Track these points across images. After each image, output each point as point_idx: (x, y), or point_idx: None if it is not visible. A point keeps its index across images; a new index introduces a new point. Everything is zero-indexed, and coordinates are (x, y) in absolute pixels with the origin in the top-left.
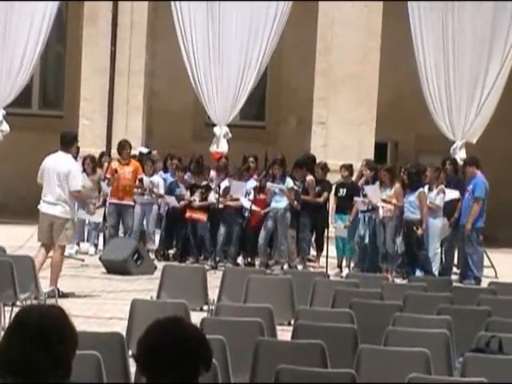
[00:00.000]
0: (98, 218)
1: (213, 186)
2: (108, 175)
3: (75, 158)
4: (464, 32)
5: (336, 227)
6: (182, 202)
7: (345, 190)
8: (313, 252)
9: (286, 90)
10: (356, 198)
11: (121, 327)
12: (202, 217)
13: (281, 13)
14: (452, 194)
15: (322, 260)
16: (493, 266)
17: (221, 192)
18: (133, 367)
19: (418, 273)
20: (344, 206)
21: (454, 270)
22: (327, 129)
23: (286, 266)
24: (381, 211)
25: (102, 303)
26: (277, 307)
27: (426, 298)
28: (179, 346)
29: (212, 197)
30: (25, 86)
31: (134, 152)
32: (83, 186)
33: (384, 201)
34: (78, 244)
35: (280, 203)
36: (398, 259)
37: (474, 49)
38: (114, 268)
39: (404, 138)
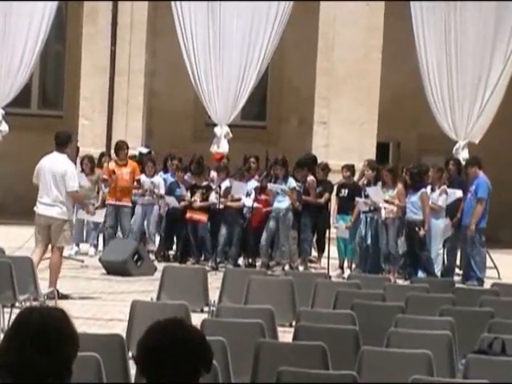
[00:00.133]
0: (98, 218)
1: (213, 186)
2: (105, 176)
3: (75, 158)
4: (466, 32)
5: (338, 228)
6: (183, 203)
7: (346, 191)
8: (314, 253)
9: (288, 89)
10: (358, 199)
11: (121, 329)
12: (203, 218)
13: (282, 12)
14: (457, 193)
15: (324, 261)
16: (496, 267)
17: (221, 193)
18: (133, 369)
19: (420, 274)
20: (346, 207)
21: (457, 271)
22: (329, 129)
23: (287, 267)
24: (383, 212)
25: (101, 304)
26: (278, 308)
27: (428, 299)
28: (179, 347)
29: (213, 197)
30: (24, 86)
31: (134, 152)
32: (81, 186)
33: (386, 201)
34: (78, 245)
35: (282, 203)
36: (399, 260)
37: (477, 49)
38: (114, 269)
39: (406, 137)
